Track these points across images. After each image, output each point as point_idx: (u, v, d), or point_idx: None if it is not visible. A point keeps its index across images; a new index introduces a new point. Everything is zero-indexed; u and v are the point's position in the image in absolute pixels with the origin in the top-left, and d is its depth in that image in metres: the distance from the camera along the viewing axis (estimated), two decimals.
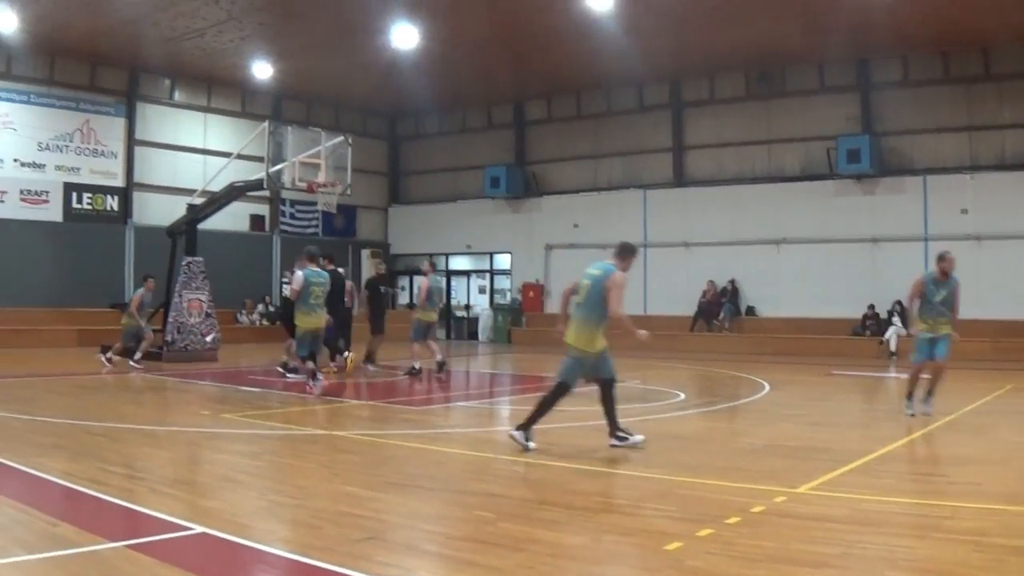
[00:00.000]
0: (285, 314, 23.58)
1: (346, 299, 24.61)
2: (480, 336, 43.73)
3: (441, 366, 23.95)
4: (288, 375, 23.15)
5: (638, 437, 12.78)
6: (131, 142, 38.51)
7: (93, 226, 37.10)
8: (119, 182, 38.17)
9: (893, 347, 32.11)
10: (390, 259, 46.92)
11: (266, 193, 37.74)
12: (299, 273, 19.15)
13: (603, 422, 13.22)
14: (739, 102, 38.56)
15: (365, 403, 19.24)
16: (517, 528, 8.38)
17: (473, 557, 7.49)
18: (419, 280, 25.78)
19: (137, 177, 38.70)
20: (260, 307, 39.99)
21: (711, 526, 8.34)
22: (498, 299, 44.83)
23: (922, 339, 16.52)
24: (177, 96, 40.42)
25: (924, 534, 8.22)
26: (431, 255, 43.21)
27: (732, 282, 37.36)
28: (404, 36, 32.07)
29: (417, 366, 23.50)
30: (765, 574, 7.02)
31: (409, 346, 23.92)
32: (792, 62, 36.56)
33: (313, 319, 19.31)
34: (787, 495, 9.69)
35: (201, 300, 28.36)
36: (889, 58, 34.99)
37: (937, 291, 16.48)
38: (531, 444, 12.50)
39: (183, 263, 28.34)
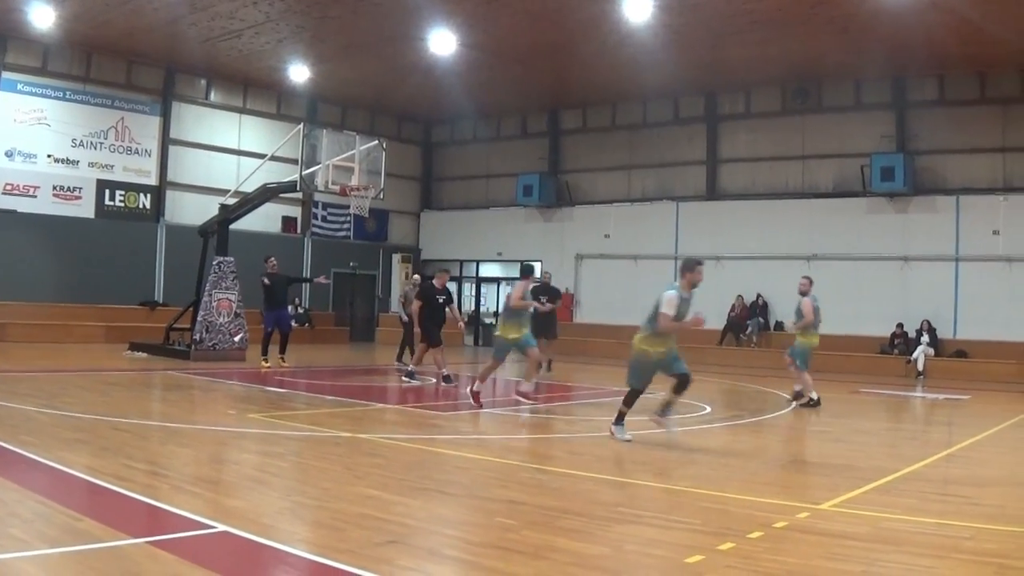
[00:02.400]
0: (421, 320, 23.90)
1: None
2: None
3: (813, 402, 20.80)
4: (406, 379, 23.62)
5: None
6: (165, 141, 38.58)
7: (125, 224, 37.15)
8: (152, 180, 38.25)
9: (920, 367, 32.01)
10: (420, 264, 47.07)
11: (299, 195, 37.79)
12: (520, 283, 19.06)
13: (630, 432, 13.30)
14: (774, 117, 38.45)
15: (392, 407, 19.26)
16: (539, 536, 8.39)
17: (494, 564, 7.51)
18: (800, 300, 21.89)
19: (170, 176, 38.78)
20: (289, 308, 40.02)
21: (733, 540, 8.35)
22: None
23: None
24: (213, 96, 40.53)
25: (945, 554, 8.19)
26: (459, 262, 43.64)
27: (760, 296, 37.29)
28: (442, 43, 32.02)
29: (815, 396, 20.82)
30: None
31: (797, 375, 21.33)
32: (828, 78, 36.47)
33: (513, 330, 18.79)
34: (810, 511, 9.71)
35: (231, 300, 28.45)
36: (925, 77, 34.89)
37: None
38: None
39: (214, 263, 28.40)
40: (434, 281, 24.26)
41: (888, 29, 29.03)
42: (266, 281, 26.30)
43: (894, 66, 34.02)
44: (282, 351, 26.57)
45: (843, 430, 17.54)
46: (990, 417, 20.20)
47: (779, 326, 36.73)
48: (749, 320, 37.00)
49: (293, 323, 27.77)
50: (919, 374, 31.82)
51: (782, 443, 15.75)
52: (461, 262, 46.45)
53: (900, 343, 33.45)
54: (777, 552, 8.07)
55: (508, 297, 19.38)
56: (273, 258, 27.42)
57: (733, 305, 37.36)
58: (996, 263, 32.51)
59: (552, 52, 34.13)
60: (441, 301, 23.84)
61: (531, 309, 20.30)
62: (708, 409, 20.02)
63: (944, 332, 33.34)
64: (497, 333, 19.54)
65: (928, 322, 32.86)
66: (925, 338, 32.62)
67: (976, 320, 32.71)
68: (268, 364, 26.08)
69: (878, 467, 12.68)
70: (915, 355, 32.36)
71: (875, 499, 10.56)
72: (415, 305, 23.86)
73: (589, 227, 42.23)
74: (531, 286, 20.19)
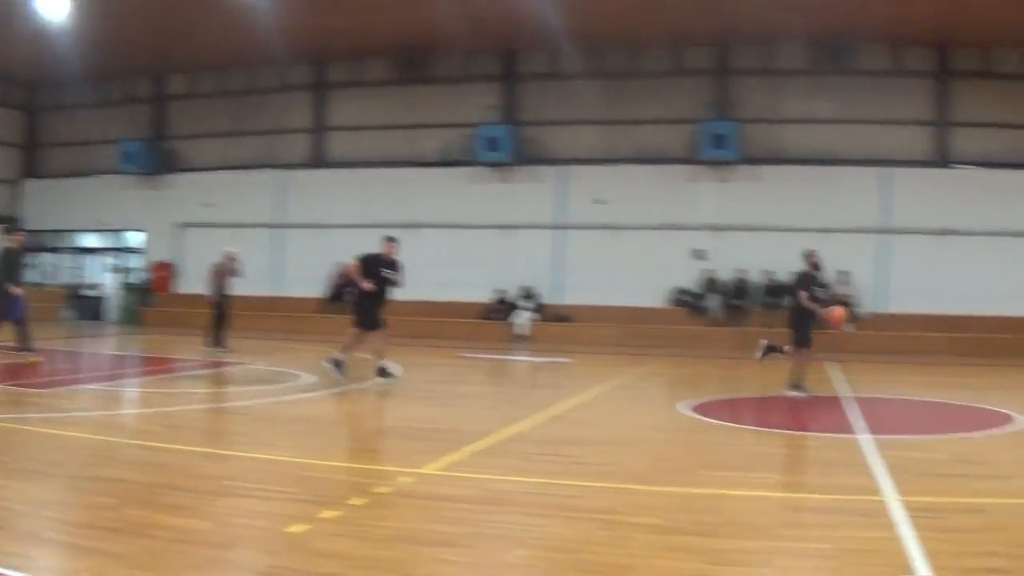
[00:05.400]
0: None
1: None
2: (108, 316, 42.59)
3: None
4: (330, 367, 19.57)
5: None
6: None
7: None
8: None
9: (524, 331, 32.68)
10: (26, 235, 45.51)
11: None
12: None
13: (231, 404, 13.09)
14: (384, 86, 38.54)
15: None
16: (141, 514, 8.10)
17: (96, 544, 7.20)
18: None
19: None
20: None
21: (338, 508, 8.29)
22: (128, 278, 43.50)
23: None
24: None
25: (552, 513, 8.35)
26: (62, 232, 42.46)
27: None
28: (49, 3, 30.84)
29: None
30: (392, 555, 7.01)
31: None
32: (438, 49, 36.72)
33: None
34: (414, 476, 9.74)
35: None
36: (535, 50, 35.70)
37: None
38: None
39: None
40: (380, 250, 20.11)
41: (499, 1, 29.43)
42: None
43: (504, 39, 34.60)
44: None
45: (446, 394, 17.77)
46: (593, 379, 20.84)
47: None
48: (351, 288, 37.03)
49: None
50: (522, 338, 32.48)
51: (385, 409, 15.80)
52: (63, 232, 45.09)
53: (502, 308, 34.07)
54: (383, 518, 8.11)
55: None
56: (23, 233, 23.77)
57: (338, 273, 37.29)
58: (599, 231, 33.59)
59: (161, 15, 33.31)
60: (386, 275, 19.78)
61: None
62: (312, 378, 19.91)
63: (548, 298, 34.19)
64: None
65: (531, 288, 33.59)
66: (528, 303, 33.33)
67: (579, 286, 33.82)
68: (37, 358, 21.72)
69: (482, 430, 12.84)
70: (518, 320, 32.99)
71: (480, 461, 10.73)
72: (355, 271, 19.75)
73: (193, 195, 41.31)
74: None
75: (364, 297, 19.63)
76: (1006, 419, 15.47)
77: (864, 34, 31.96)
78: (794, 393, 18.26)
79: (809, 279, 18.71)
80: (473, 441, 11.87)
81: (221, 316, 26.34)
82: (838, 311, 18.67)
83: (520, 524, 8.01)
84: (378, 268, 19.58)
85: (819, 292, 19.15)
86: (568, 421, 14.63)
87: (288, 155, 40.24)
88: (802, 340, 18.43)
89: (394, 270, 19.70)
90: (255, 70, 41.01)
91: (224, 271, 26.50)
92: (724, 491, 9.59)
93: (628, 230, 34.15)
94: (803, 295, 18.31)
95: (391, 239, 20.14)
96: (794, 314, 18.70)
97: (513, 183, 35.74)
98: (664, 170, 34.63)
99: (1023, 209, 33.13)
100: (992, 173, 33.53)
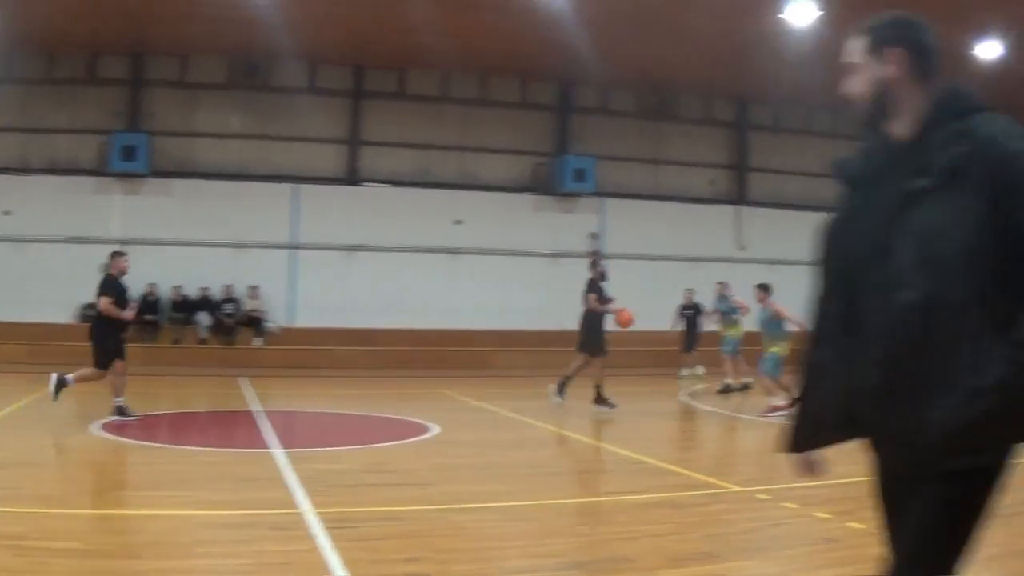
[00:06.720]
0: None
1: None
2: None
3: None
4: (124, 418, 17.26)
5: None
6: None
7: None
8: None
9: None
10: None
11: None
12: None
13: None
14: None
15: None
16: None
17: None
18: None
19: None
20: None
21: None
22: None
23: None
24: None
25: None
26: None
27: None
28: None
29: None
30: None
31: None
32: None
33: None
34: None
35: None
36: None
37: None
38: None
39: None
40: (113, 271, 17.33)
41: None
42: None
43: None
44: None
45: None
46: None
47: None
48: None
49: None
50: None
51: None
52: None
53: None
54: None
55: None
56: None
57: None
58: (7, 243, 32.79)
59: None
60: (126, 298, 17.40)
61: None
62: None
63: None
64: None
65: None
66: None
67: None
68: None
69: None
70: None
71: None
72: (104, 302, 16.89)
73: None
74: None
75: (110, 327, 17.23)
76: (421, 429, 16.27)
77: (281, 52, 32.45)
78: (557, 399, 19.28)
79: (596, 284, 19.41)
80: None
81: None
82: (626, 312, 19.66)
83: None
84: (124, 292, 17.44)
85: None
86: None
87: None
88: (595, 348, 19.11)
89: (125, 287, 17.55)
90: None
91: None
92: (141, 511, 9.70)
93: (35, 243, 33.24)
94: (592, 297, 19.24)
95: (121, 252, 17.90)
96: (585, 321, 19.34)
97: None
98: (73, 181, 33.96)
99: (429, 226, 35.15)
100: (400, 191, 35.27)
